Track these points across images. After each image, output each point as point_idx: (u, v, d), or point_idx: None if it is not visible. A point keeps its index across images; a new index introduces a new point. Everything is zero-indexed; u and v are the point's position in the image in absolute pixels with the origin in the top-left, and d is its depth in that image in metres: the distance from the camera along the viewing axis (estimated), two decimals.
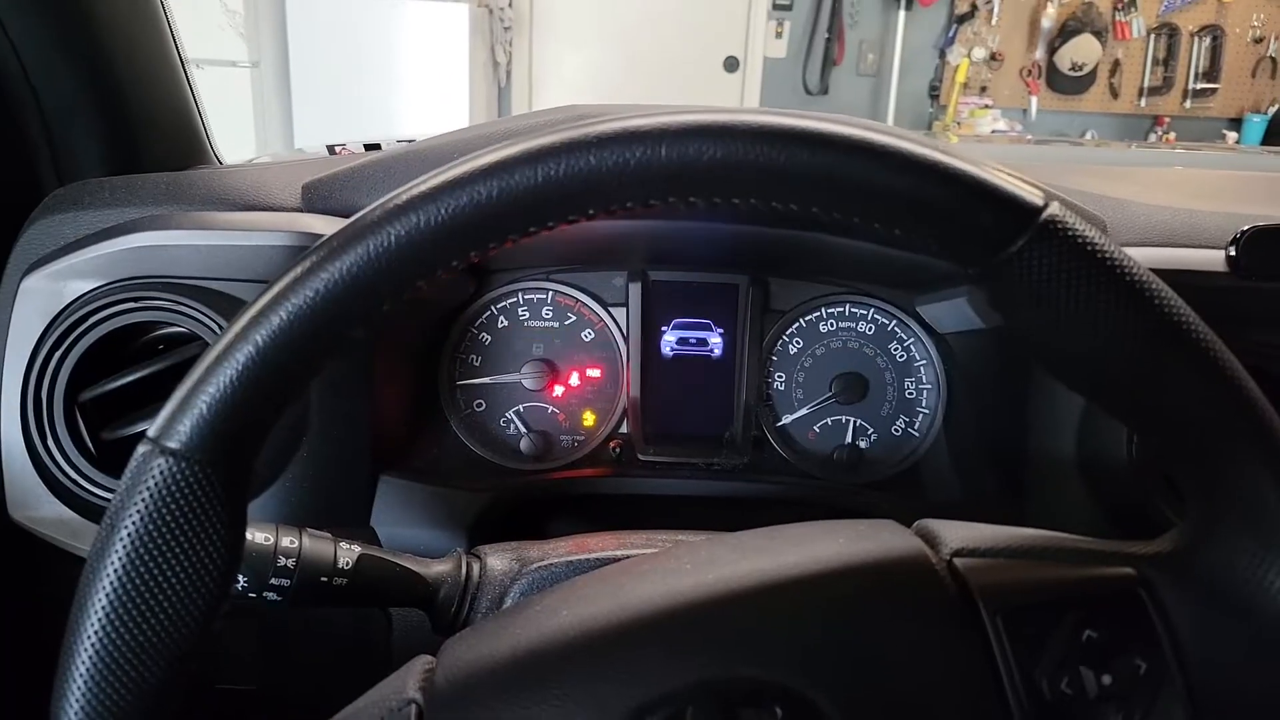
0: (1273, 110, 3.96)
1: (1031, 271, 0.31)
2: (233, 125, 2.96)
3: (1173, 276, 0.32)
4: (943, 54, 3.99)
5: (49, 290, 0.62)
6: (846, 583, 0.35)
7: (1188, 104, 4.03)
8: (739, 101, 3.91)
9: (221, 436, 0.30)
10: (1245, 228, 0.59)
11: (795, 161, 0.30)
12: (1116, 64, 4.01)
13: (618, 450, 0.78)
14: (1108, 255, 0.31)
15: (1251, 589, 0.33)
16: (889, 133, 0.32)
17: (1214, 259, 0.61)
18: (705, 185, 0.31)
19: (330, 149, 0.89)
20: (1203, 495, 0.34)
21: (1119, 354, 0.31)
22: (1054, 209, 0.31)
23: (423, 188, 0.31)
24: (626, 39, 3.90)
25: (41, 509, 0.61)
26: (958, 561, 0.35)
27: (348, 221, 0.31)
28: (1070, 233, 0.30)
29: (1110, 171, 0.90)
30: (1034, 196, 0.31)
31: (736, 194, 0.31)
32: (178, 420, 0.30)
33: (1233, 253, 0.60)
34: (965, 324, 0.73)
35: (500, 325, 0.79)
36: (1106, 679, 0.33)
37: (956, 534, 0.37)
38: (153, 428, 0.30)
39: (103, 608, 0.29)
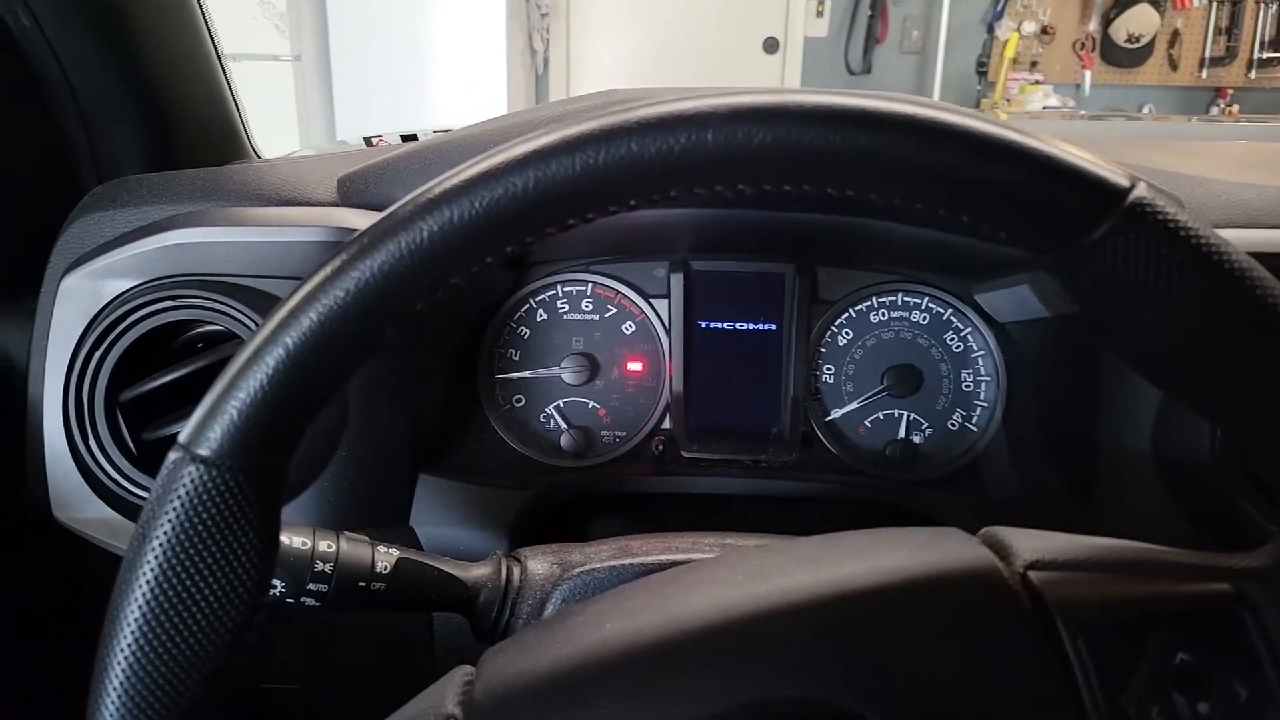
0: None
1: (1117, 258, 0.28)
2: (276, 119, 2.99)
3: (1265, 261, 0.29)
4: (991, 29, 3.87)
5: (88, 289, 0.62)
6: (911, 597, 0.33)
7: (1252, 74, 3.85)
8: (779, 84, 3.85)
9: (252, 442, 0.29)
10: None
11: (852, 144, 0.28)
12: (1176, 34, 3.85)
13: (661, 447, 0.76)
14: (1203, 239, 0.28)
15: None
16: (952, 110, 0.29)
17: None
18: (755, 172, 0.29)
19: (367, 140, 0.88)
20: None
21: (1212, 346, 0.28)
22: (1141, 190, 0.28)
23: (455, 180, 0.29)
24: (664, 23, 3.86)
25: (85, 509, 0.61)
26: (1032, 575, 0.33)
27: (380, 217, 0.30)
28: (1160, 216, 0.28)
29: (1175, 146, 0.85)
30: (1119, 177, 0.28)
31: (788, 180, 0.29)
32: (208, 426, 0.29)
33: None
34: (1028, 312, 0.69)
35: (539, 319, 0.77)
36: (1203, 707, 0.30)
37: (1029, 544, 0.34)
38: (183, 434, 0.30)
39: (136, 619, 0.29)
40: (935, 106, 0.29)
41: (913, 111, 0.28)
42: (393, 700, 0.34)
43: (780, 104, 0.28)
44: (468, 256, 0.29)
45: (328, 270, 0.29)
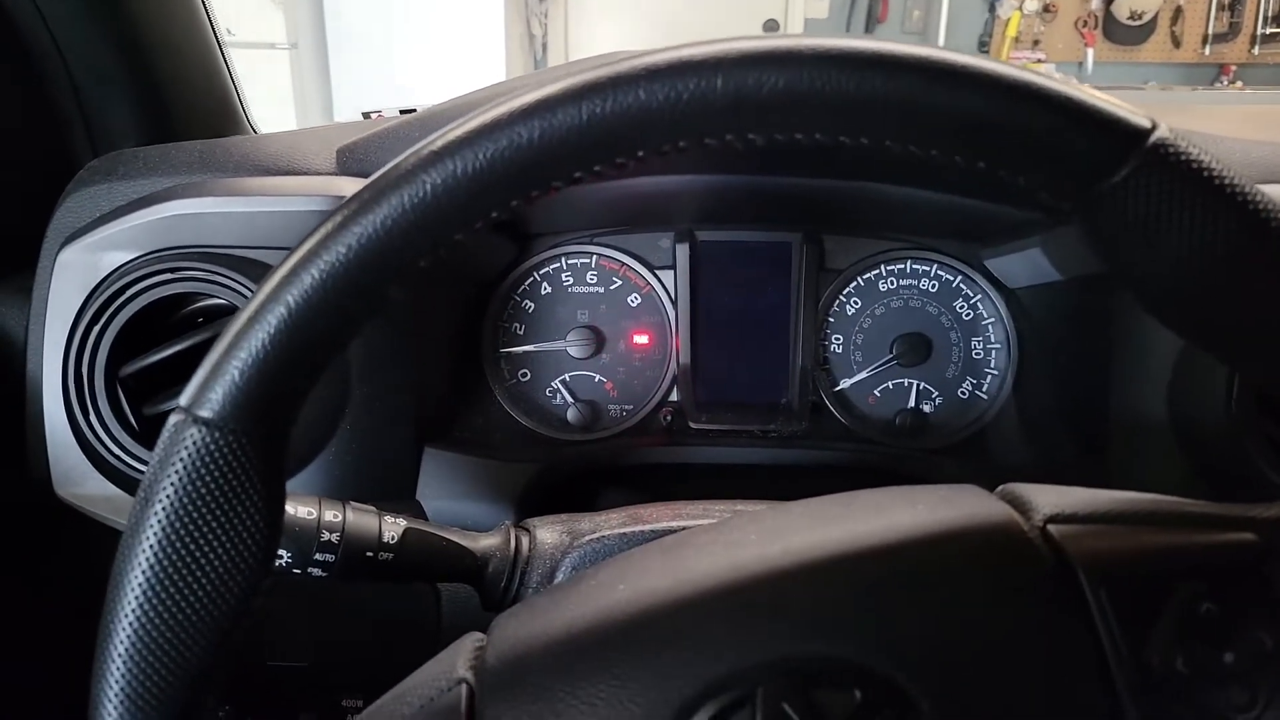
0: None
1: (1140, 200, 0.27)
2: (273, 109, 2.97)
3: None
4: (992, 7, 3.83)
5: (86, 262, 0.61)
6: (930, 553, 0.32)
7: (1255, 50, 3.81)
8: None
9: (255, 403, 0.28)
10: None
11: (868, 88, 0.27)
12: (1178, 10, 3.81)
13: (669, 418, 0.75)
14: (1226, 179, 0.27)
15: None
16: (967, 54, 0.28)
17: None
18: (767, 119, 0.28)
19: (366, 115, 0.87)
20: None
21: (1237, 285, 0.28)
22: (1163, 131, 0.27)
23: (459, 132, 0.28)
24: (663, 7, 3.83)
25: (86, 485, 0.61)
26: (1053, 528, 0.32)
27: (379, 172, 0.28)
28: (1184, 156, 0.27)
29: (1189, 109, 0.84)
30: (1140, 118, 0.27)
31: (801, 128, 0.28)
32: (209, 388, 0.28)
33: None
34: (1039, 276, 0.68)
35: (544, 291, 0.76)
36: (1228, 656, 0.29)
37: (1048, 498, 0.33)
38: (184, 396, 0.29)
39: (140, 584, 0.28)
40: (948, 51, 0.28)
41: (928, 54, 0.27)
42: (401, 675, 0.33)
43: (793, 47, 0.27)
44: (472, 211, 0.28)
45: (329, 226, 0.28)
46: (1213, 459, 0.58)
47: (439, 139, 0.28)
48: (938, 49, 0.28)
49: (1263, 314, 0.28)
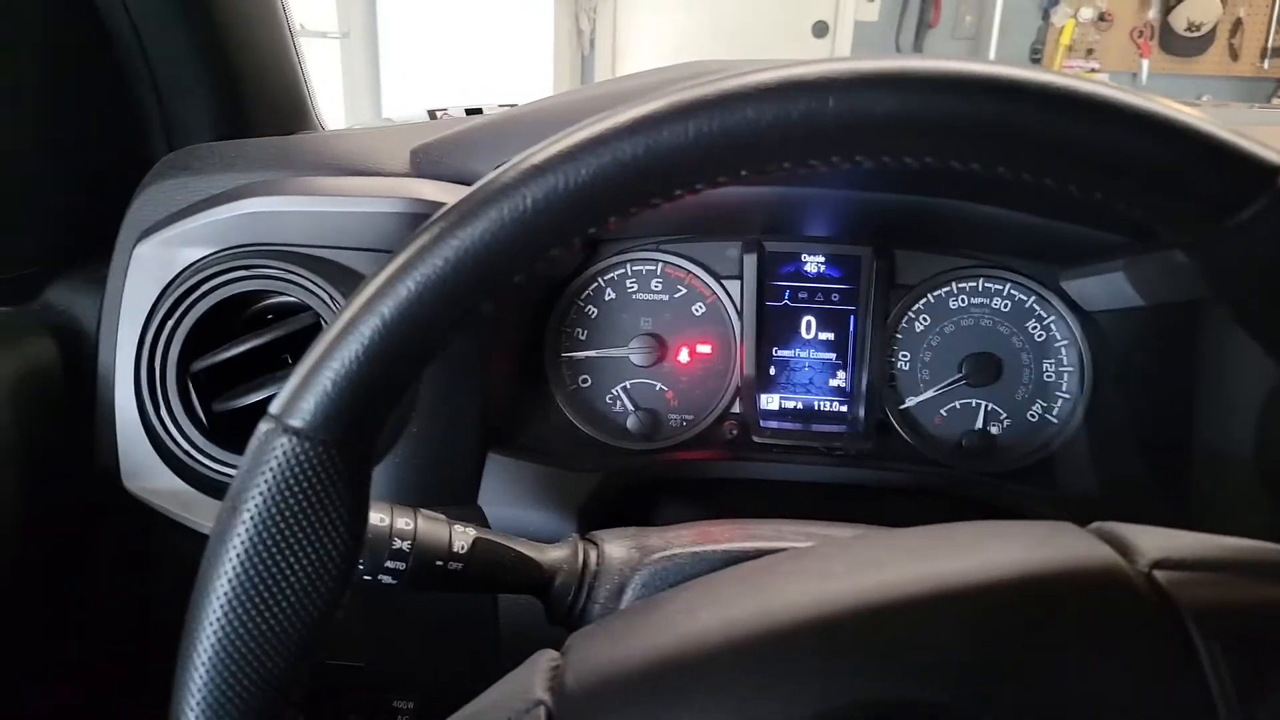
0: None
1: (1267, 240, 0.26)
2: (322, 95, 3.00)
3: None
4: (1046, 14, 3.77)
5: (161, 258, 0.61)
6: (1030, 594, 0.31)
7: None
8: None
9: (346, 415, 0.28)
10: None
11: (985, 113, 0.26)
12: (1238, 23, 3.72)
13: (734, 432, 0.74)
14: None
15: None
16: (1082, 79, 0.27)
17: None
18: (876, 142, 0.27)
19: (431, 114, 0.87)
20: None
21: None
22: None
23: (561, 146, 0.27)
24: (711, 5, 3.81)
25: (156, 480, 0.61)
26: (1159, 574, 0.30)
27: (479, 184, 0.28)
28: None
29: (1255, 131, 0.81)
30: (1271, 155, 0.26)
31: (911, 152, 0.27)
32: (301, 397, 0.28)
33: None
34: (1120, 301, 0.66)
35: (608, 298, 0.76)
36: None
37: (1154, 541, 0.32)
38: (275, 404, 0.28)
39: (225, 593, 0.28)
40: (1057, 74, 0.27)
41: (1047, 80, 0.26)
42: (457, 679, 0.33)
43: (906, 70, 0.26)
44: (571, 227, 0.28)
45: (425, 239, 0.28)
46: None
47: (541, 152, 0.28)
48: (1053, 72, 0.27)
49: None
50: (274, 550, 0.28)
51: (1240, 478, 0.58)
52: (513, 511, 0.65)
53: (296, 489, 0.28)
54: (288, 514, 0.28)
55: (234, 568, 0.28)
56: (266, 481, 0.27)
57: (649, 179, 0.27)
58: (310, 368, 0.28)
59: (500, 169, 0.28)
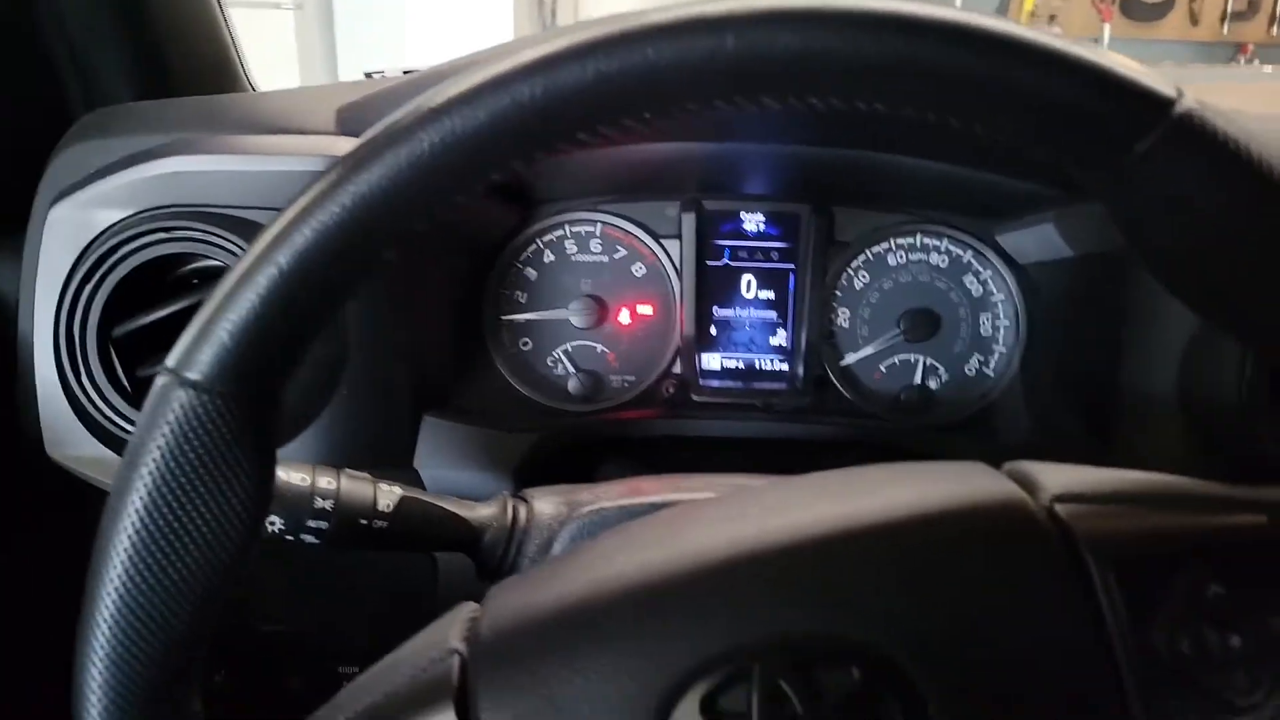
0: None
1: (1164, 170, 0.26)
2: (276, 69, 2.93)
3: None
4: None
5: (78, 220, 0.59)
6: (934, 531, 0.31)
7: (1275, 30, 3.77)
8: None
9: (245, 366, 0.27)
10: None
11: (888, 51, 0.26)
12: None
13: (671, 390, 0.74)
14: (1253, 153, 0.26)
15: None
16: (992, 18, 0.27)
17: None
18: (780, 81, 0.26)
19: (368, 75, 0.85)
20: None
21: (1258, 260, 0.27)
22: (1189, 101, 0.26)
23: (458, 89, 0.27)
24: None
25: (79, 447, 0.60)
26: (1060, 507, 0.31)
27: (375, 129, 0.27)
28: (1210, 127, 0.26)
29: (1202, 86, 0.82)
30: (1166, 87, 0.26)
31: (816, 92, 0.27)
32: (198, 349, 0.27)
33: None
34: (1052, 252, 0.67)
35: (546, 260, 0.75)
36: (1234, 640, 0.28)
37: (1057, 477, 0.33)
38: (171, 357, 0.28)
39: (125, 548, 0.27)
40: (960, 12, 0.26)
41: (951, 16, 0.26)
42: (396, 644, 0.33)
43: (808, 8, 0.26)
44: (472, 171, 0.27)
45: (322, 185, 0.27)
46: (1222, 439, 0.57)
47: (437, 95, 0.27)
48: (960, 12, 0.27)
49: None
50: (174, 503, 0.27)
51: (1164, 419, 0.60)
52: (449, 474, 0.64)
53: (196, 442, 0.27)
54: (187, 467, 0.27)
55: (134, 523, 0.27)
56: (165, 435, 0.27)
57: (550, 121, 0.27)
58: (206, 320, 0.28)
59: (398, 113, 0.27)
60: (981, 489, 0.33)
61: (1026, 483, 0.33)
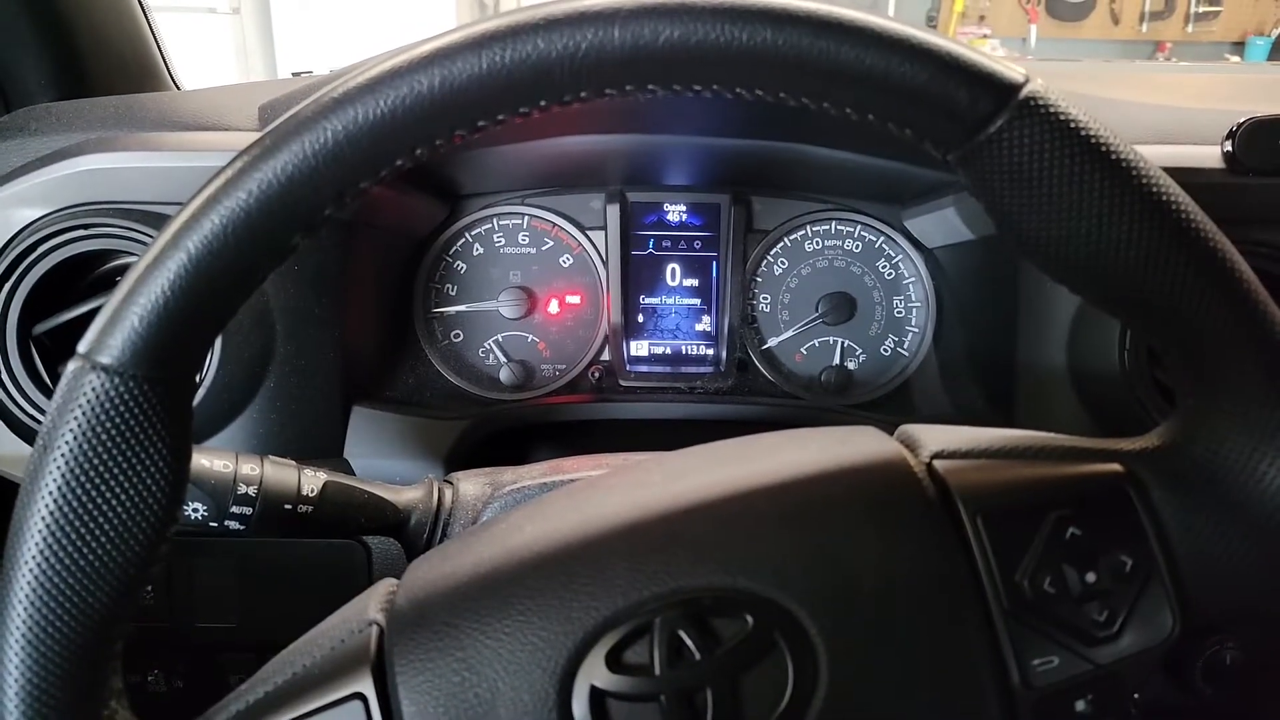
0: (1277, 32, 3.86)
1: (1012, 152, 0.28)
2: (216, 75, 2.88)
3: (1173, 176, 0.30)
4: None
5: None
6: (820, 488, 0.33)
7: (1190, 28, 3.93)
8: None
9: (156, 349, 0.28)
10: (1242, 120, 0.56)
11: (759, 40, 0.28)
12: None
13: (598, 375, 0.76)
14: (1093, 133, 0.28)
15: (1243, 481, 0.32)
16: (857, 12, 0.29)
17: (1210, 155, 0.57)
18: (663, 70, 0.28)
19: (295, 74, 0.85)
20: (1192, 386, 0.33)
21: (1106, 237, 0.29)
22: (1035, 85, 0.28)
23: (359, 79, 0.28)
24: None
25: (0, 446, 0.60)
26: (937, 464, 0.33)
27: (281, 118, 0.28)
28: (1053, 109, 0.28)
29: (1105, 77, 0.87)
30: (1013, 72, 0.28)
31: (697, 80, 0.29)
32: (109, 334, 0.28)
33: (1229, 147, 0.56)
34: (954, 236, 0.70)
35: (475, 252, 0.76)
36: (1090, 577, 0.31)
37: (937, 437, 0.35)
38: (83, 343, 0.28)
39: (40, 531, 0.28)
40: (837, 7, 0.29)
41: (817, 9, 0.28)
42: None
43: (686, 1, 0.28)
44: (375, 158, 0.28)
45: (229, 173, 0.28)
46: (1107, 405, 0.61)
47: (339, 86, 0.29)
48: (828, 6, 0.29)
49: (1125, 262, 0.29)
50: (89, 486, 0.28)
51: (1056, 390, 0.63)
52: (380, 463, 0.65)
53: (109, 424, 0.28)
54: (100, 450, 0.28)
55: (48, 506, 0.28)
56: (77, 419, 0.27)
57: (448, 110, 0.28)
58: (117, 305, 0.28)
59: (302, 104, 0.29)
60: (868, 449, 0.35)
61: (910, 443, 0.35)
